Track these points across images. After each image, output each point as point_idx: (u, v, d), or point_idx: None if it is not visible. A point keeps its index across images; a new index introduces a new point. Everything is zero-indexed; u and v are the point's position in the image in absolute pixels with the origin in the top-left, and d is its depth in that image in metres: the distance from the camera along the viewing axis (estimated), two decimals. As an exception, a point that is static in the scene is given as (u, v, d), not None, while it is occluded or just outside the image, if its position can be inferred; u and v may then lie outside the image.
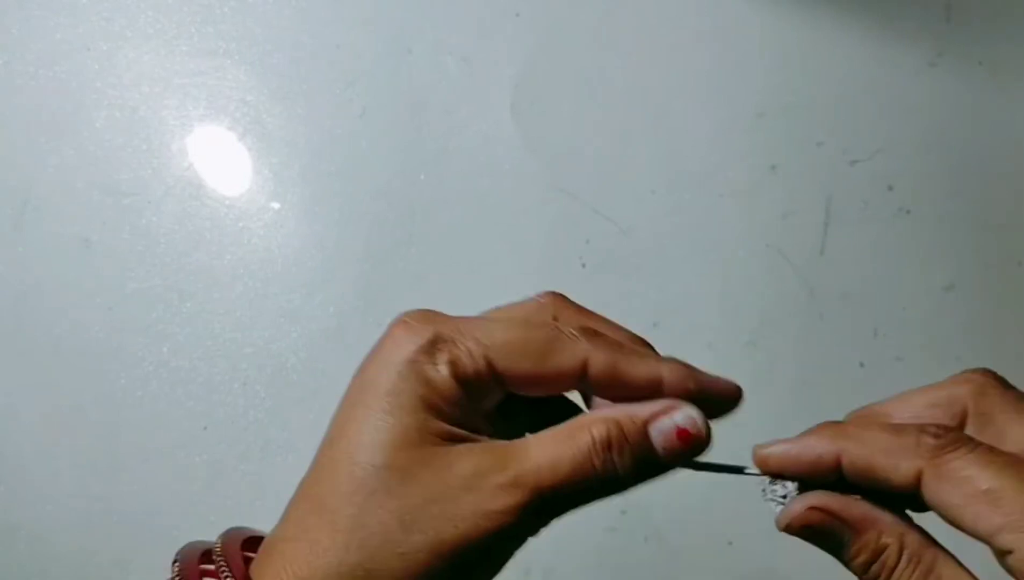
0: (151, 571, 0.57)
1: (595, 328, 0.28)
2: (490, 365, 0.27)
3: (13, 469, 0.58)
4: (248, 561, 0.28)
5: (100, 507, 0.58)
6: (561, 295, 0.29)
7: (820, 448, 0.27)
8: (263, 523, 0.61)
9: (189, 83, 0.61)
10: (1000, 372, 0.64)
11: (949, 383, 0.29)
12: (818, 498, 0.27)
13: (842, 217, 0.60)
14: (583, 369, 0.27)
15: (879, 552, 0.26)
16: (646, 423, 0.27)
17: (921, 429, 0.26)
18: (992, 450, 0.25)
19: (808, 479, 0.27)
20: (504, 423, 0.29)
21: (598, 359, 0.27)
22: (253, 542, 0.30)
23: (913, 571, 0.25)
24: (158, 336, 0.59)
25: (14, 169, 0.60)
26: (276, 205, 0.61)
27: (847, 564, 0.26)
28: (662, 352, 0.59)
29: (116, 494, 0.58)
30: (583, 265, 0.59)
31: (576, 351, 0.27)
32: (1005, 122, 0.61)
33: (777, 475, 0.28)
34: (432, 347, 0.27)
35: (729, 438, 0.62)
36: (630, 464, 0.26)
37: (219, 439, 0.58)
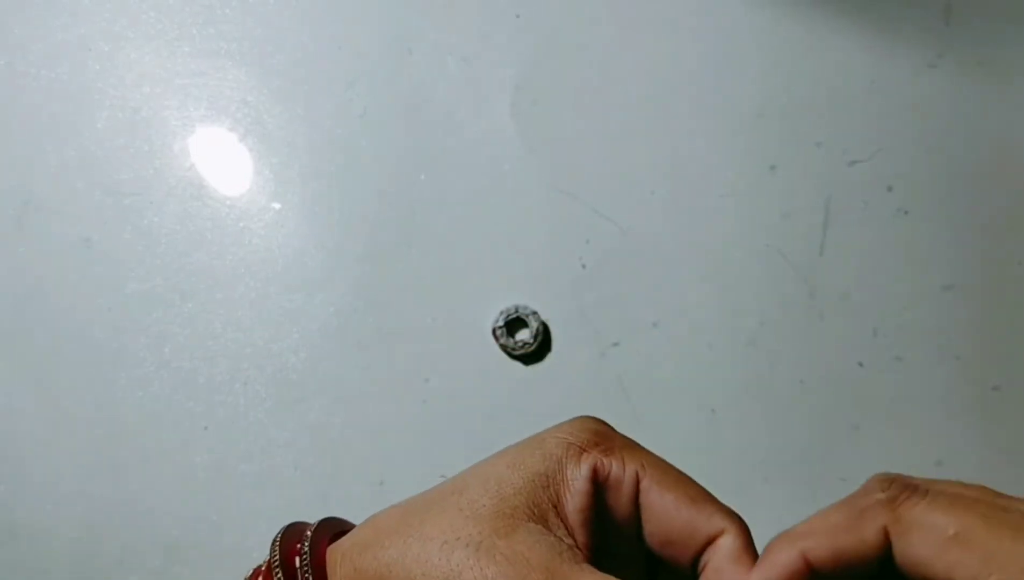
0: (152, 571, 0.57)
1: None
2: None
3: (14, 469, 0.58)
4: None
5: (101, 507, 0.58)
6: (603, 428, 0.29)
7: (785, 560, 0.25)
8: (263, 523, 0.61)
9: (190, 84, 0.61)
10: (999, 373, 0.64)
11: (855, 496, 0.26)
12: None
13: (841, 217, 0.60)
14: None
15: None
16: None
17: (865, 490, 0.24)
18: (944, 493, 0.23)
19: None
20: None
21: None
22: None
23: None
24: (159, 336, 0.59)
25: (15, 169, 0.61)
26: (277, 205, 0.61)
27: None
28: (661, 351, 0.59)
29: (117, 494, 0.58)
30: (583, 265, 0.59)
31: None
32: (1005, 123, 0.61)
33: None
34: (582, 469, 0.27)
35: (729, 438, 0.62)
36: None
37: (220, 439, 0.58)
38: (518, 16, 0.62)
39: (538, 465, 0.27)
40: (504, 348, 0.58)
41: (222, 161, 0.61)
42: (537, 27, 0.62)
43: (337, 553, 0.27)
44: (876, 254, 0.60)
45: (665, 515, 0.27)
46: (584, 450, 0.27)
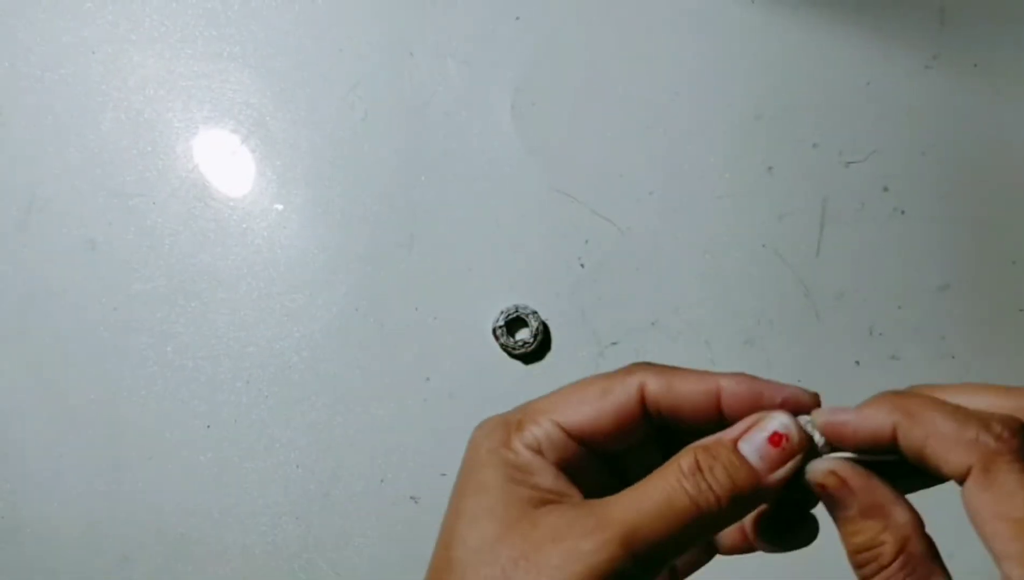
0: (156, 570, 0.58)
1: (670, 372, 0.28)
2: (559, 426, 0.27)
3: (19, 468, 0.59)
4: None
5: (105, 506, 0.58)
6: (646, 363, 0.29)
7: (878, 421, 0.25)
8: (266, 520, 0.62)
9: (193, 86, 0.62)
10: (995, 371, 0.64)
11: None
12: (841, 467, 0.26)
13: (838, 218, 0.61)
14: (641, 397, 0.27)
15: (875, 544, 0.25)
16: (735, 441, 0.26)
17: (985, 425, 0.24)
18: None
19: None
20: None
21: (652, 382, 0.27)
22: None
23: (903, 579, 0.24)
24: (163, 336, 0.60)
25: (20, 171, 0.61)
26: (279, 206, 0.61)
27: (841, 534, 0.26)
28: (661, 351, 0.60)
29: (121, 493, 0.58)
30: (582, 265, 0.60)
31: (629, 382, 0.27)
32: (999, 124, 0.62)
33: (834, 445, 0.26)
34: (505, 434, 0.27)
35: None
36: (726, 484, 0.25)
37: (223, 438, 0.59)
38: (518, 18, 0.63)
39: (479, 474, 0.27)
40: (504, 347, 0.59)
41: (225, 163, 0.62)
42: (537, 29, 0.63)
43: None
44: (872, 254, 0.61)
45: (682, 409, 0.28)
46: (509, 429, 0.28)
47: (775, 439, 0.25)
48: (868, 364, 0.59)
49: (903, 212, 0.61)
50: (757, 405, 0.27)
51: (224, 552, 0.58)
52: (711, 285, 0.60)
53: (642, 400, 0.27)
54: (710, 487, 0.25)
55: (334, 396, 0.59)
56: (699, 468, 0.25)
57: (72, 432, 0.59)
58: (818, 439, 0.26)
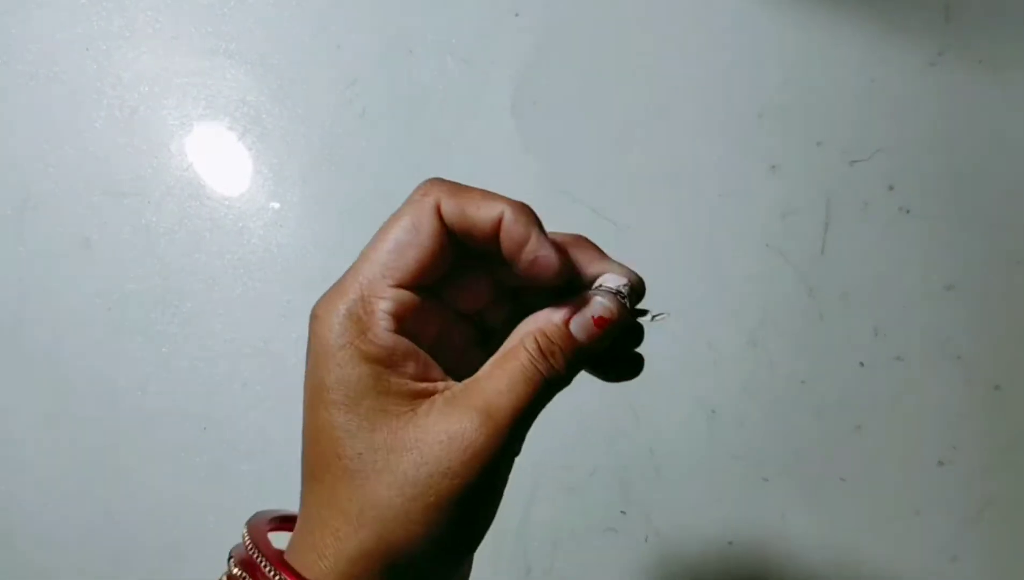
0: (151, 570, 0.57)
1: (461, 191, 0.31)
2: (400, 286, 0.30)
3: (13, 469, 0.58)
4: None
5: (100, 507, 0.58)
6: (438, 179, 0.31)
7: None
8: (263, 523, 0.61)
9: (189, 83, 0.61)
10: (1001, 370, 0.64)
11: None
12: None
13: (842, 217, 0.60)
14: (440, 218, 0.30)
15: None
16: (566, 324, 0.30)
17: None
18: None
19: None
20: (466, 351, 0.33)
21: (447, 204, 0.30)
22: (281, 520, 0.34)
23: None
24: (158, 336, 0.59)
25: (14, 169, 0.60)
26: (276, 205, 0.61)
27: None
28: (660, 352, 0.59)
29: (116, 494, 0.58)
30: (583, 265, 0.59)
31: (426, 204, 0.30)
32: (1005, 121, 0.61)
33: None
34: (357, 324, 0.29)
35: (729, 438, 0.62)
36: (564, 362, 0.30)
37: (219, 439, 0.58)
38: (517, 15, 0.62)
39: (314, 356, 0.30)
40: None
41: (221, 161, 0.61)
42: (537, 27, 0.62)
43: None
44: (877, 253, 0.60)
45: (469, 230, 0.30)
46: (357, 314, 0.30)
47: (599, 322, 0.31)
48: (872, 365, 0.59)
49: (908, 211, 0.60)
50: (522, 250, 0.29)
51: (220, 555, 0.57)
52: (713, 285, 0.60)
53: (442, 223, 0.30)
54: (552, 365, 0.30)
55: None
56: (542, 351, 0.30)
57: (65, 434, 0.58)
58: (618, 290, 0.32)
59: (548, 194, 0.60)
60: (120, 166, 0.61)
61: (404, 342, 0.29)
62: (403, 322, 0.30)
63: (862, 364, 0.59)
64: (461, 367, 0.32)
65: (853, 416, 0.59)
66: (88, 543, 0.57)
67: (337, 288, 0.30)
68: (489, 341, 0.33)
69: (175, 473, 0.58)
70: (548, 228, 0.30)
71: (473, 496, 0.28)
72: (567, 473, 0.58)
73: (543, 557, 0.57)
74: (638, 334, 0.34)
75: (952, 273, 0.60)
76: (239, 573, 0.30)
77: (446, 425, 0.28)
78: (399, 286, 0.30)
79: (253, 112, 0.61)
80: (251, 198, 0.61)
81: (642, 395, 0.58)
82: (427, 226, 0.30)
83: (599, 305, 0.31)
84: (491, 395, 0.29)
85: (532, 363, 0.29)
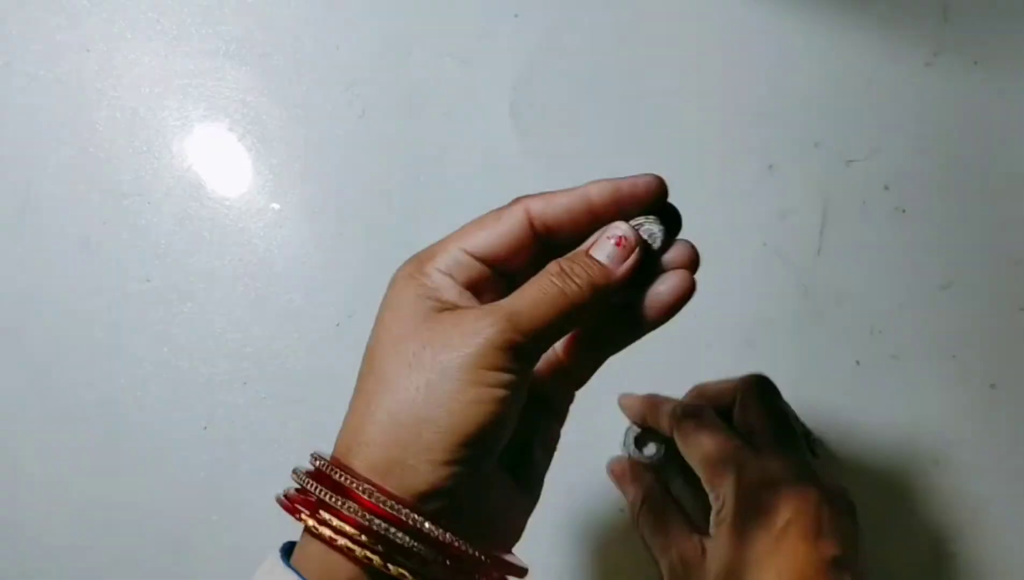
0: (151, 571, 0.57)
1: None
2: (464, 251, 0.33)
3: (12, 469, 0.58)
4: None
5: (100, 507, 0.58)
6: (527, 194, 0.35)
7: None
8: (264, 522, 0.61)
9: (189, 84, 0.62)
10: (996, 371, 0.64)
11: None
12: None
13: (839, 217, 0.61)
14: (528, 217, 0.33)
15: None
16: (588, 251, 0.33)
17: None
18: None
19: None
20: None
21: (534, 203, 0.34)
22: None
23: None
24: (158, 336, 0.59)
25: (14, 169, 0.61)
26: (276, 206, 0.61)
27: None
28: (660, 351, 0.59)
29: (116, 494, 0.58)
30: (582, 265, 0.59)
31: (515, 207, 0.34)
32: (1001, 121, 0.62)
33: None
34: (418, 264, 0.34)
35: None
36: (584, 277, 0.32)
37: (219, 439, 0.58)
38: (517, 16, 0.62)
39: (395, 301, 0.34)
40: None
41: (221, 161, 0.61)
42: (536, 27, 0.62)
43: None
44: (873, 253, 0.61)
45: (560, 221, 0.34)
46: (422, 259, 0.35)
47: (619, 242, 0.33)
48: (868, 364, 0.59)
49: (904, 211, 0.61)
50: (617, 197, 0.34)
51: (221, 556, 0.57)
52: (710, 284, 0.60)
53: (530, 220, 0.34)
54: (573, 281, 0.32)
55: (332, 397, 0.59)
56: (563, 270, 0.32)
57: (67, 434, 0.58)
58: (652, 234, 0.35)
59: (547, 194, 0.60)
60: (120, 166, 0.61)
61: (449, 281, 0.33)
62: (458, 278, 0.33)
63: (858, 363, 0.59)
64: None
65: (849, 415, 0.59)
66: (88, 543, 0.58)
67: (418, 253, 0.35)
68: None
69: (175, 473, 0.58)
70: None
71: (496, 400, 0.30)
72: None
73: (543, 557, 0.57)
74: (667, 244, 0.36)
75: (948, 272, 0.60)
76: (321, 491, 0.33)
77: (456, 319, 0.31)
78: (465, 252, 0.33)
79: (253, 113, 0.61)
80: (251, 199, 0.61)
81: (641, 394, 0.59)
82: (510, 217, 0.34)
83: (620, 229, 0.34)
84: (506, 303, 0.32)
85: (552, 283, 0.32)
